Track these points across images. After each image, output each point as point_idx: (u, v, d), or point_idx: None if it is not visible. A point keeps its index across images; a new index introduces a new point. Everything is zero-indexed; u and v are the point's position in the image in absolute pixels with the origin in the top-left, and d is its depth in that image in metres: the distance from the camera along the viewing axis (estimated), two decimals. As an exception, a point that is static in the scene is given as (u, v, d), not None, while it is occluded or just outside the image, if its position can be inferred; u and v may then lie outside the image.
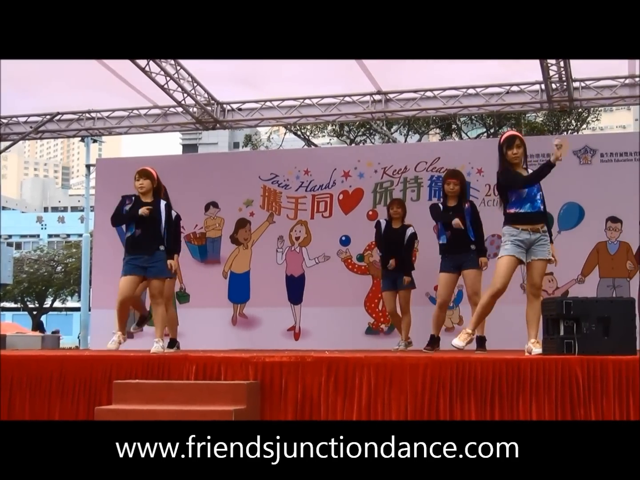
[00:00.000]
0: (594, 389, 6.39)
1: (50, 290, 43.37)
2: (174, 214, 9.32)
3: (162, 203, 8.89)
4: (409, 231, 10.04)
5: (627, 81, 10.78)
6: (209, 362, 7.36)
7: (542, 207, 7.65)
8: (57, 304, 45.55)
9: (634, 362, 6.41)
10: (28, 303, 43.76)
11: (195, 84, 11.42)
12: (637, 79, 10.72)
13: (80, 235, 38.93)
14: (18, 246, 56.06)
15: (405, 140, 26.69)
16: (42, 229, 63.99)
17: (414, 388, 6.75)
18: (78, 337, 33.39)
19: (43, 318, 44.91)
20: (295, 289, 12.00)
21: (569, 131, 25.50)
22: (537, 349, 7.29)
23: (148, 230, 8.72)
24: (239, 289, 12.18)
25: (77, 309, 39.11)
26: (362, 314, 11.63)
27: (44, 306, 44.33)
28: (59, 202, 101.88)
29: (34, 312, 43.28)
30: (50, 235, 62.75)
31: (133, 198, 8.81)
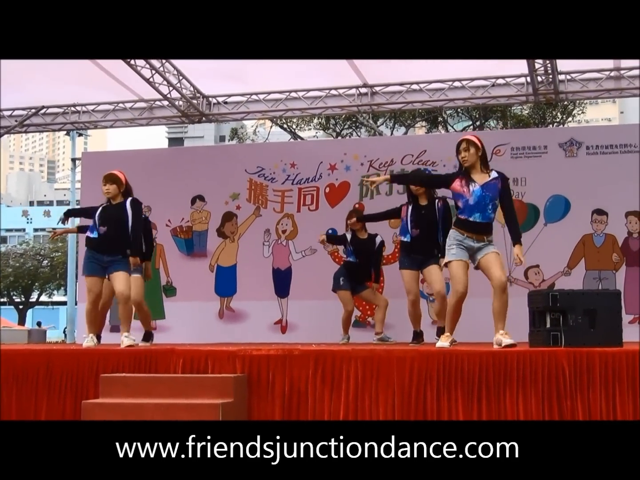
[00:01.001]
0: (581, 381, 6.42)
1: (36, 284, 43.22)
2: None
3: (128, 200, 8.83)
4: (378, 239, 10.19)
5: (612, 74, 10.80)
6: (196, 356, 7.36)
7: (492, 215, 7.56)
8: (43, 298, 45.40)
9: (620, 354, 6.44)
10: (14, 297, 43.60)
11: (180, 78, 11.39)
12: (622, 72, 10.75)
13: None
14: (3, 240, 55.80)
15: (392, 133, 26.67)
16: (27, 223, 63.73)
17: (401, 381, 6.76)
18: (64, 332, 33.32)
19: (29, 312, 44.81)
20: (282, 282, 11.99)
21: (555, 124, 25.54)
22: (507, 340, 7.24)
23: (114, 230, 8.68)
24: (225, 282, 12.17)
25: (64, 303, 38.99)
26: (349, 307, 11.64)
27: (30, 300, 44.18)
28: (45, 196, 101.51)
29: (20, 307, 43.15)
30: (36, 229, 62.46)
31: (103, 205, 8.90)
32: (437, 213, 8.96)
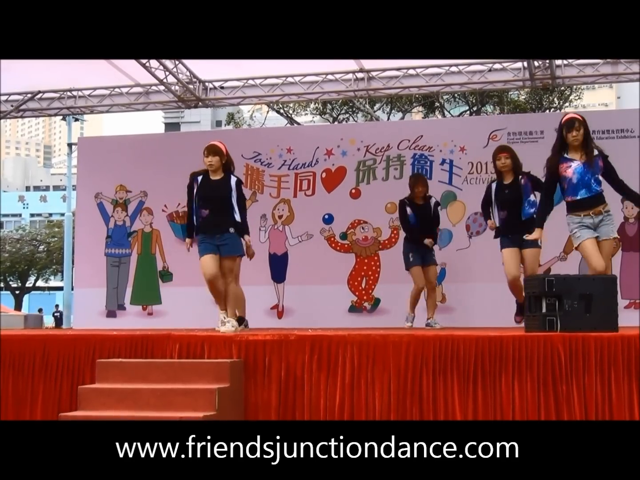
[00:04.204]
0: (576, 366, 6.43)
1: (32, 269, 43.21)
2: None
3: (233, 180, 8.61)
4: (432, 201, 10.02)
5: (609, 59, 10.78)
6: (193, 341, 7.37)
7: (599, 189, 7.58)
8: (39, 283, 45.41)
9: (616, 338, 6.45)
10: (10, 282, 43.60)
11: (177, 62, 11.37)
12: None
13: (63, 214, 38.80)
14: (-1, 225, 55.84)
15: (388, 118, 26.66)
16: (24, 208, 63.69)
17: (397, 365, 6.78)
18: (53, 315, 33.45)
19: (26, 297, 44.82)
20: (278, 267, 11.99)
21: (552, 109, 25.52)
22: None
23: (217, 209, 8.49)
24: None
25: (60, 288, 39.00)
26: (345, 292, 11.64)
27: (27, 285, 44.18)
28: (41, 181, 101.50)
29: (17, 292, 43.15)
30: (32, 215, 62.46)
31: (199, 178, 8.61)
32: (522, 192, 8.79)
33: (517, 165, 8.92)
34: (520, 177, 8.86)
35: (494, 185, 8.97)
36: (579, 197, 7.53)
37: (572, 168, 7.51)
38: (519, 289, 8.63)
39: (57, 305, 37.36)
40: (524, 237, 7.81)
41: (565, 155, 7.57)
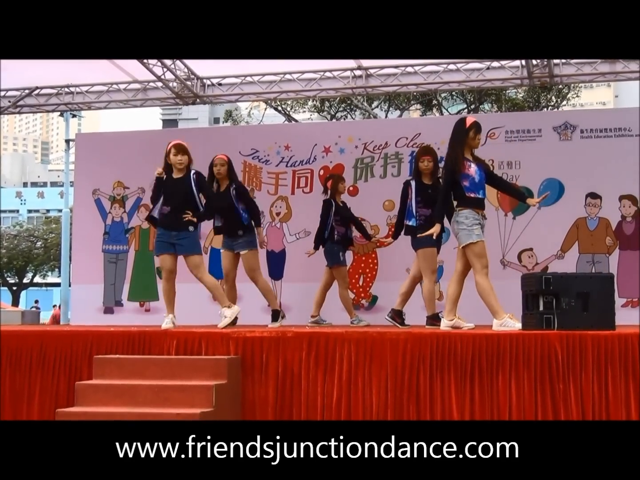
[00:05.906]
0: (573, 364, 6.45)
1: (30, 265, 43.19)
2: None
3: (191, 172, 8.88)
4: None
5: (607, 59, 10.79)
6: (190, 337, 7.38)
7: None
8: (37, 279, 45.39)
9: (613, 337, 6.47)
10: (8, 278, 43.56)
11: (174, 59, 11.35)
12: (617, 55, 10.73)
13: (60, 210, 38.79)
14: (-3, 221, 55.73)
15: (386, 116, 26.65)
16: (21, 204, 63.56)
17: (394, 363, 6.79)
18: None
19: (23, 293, 44.79)
20: (276, 264, 11.98)
21: (549, 107, 25.54)
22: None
23: (177, 205, 8.67)
24: (219, 264, 12.13)
25: (57, 285, 38.98)
26: (342, 290, 11.64)
27: (24, 281, 44.16)
28: (39, 177, 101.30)
29: (14, 288, 43.13)
30: (29, 211, 62.36)
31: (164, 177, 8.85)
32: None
33: (437, 169, 9.09)
34: (439, 179, 8.96)
35: (413, 184, 9.02)
36: (480, 196, 7.80)
37: (473, 168, 7.76)
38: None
39: (36, 301, 37.24)
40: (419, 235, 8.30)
41: (465, 155, 7.79)
